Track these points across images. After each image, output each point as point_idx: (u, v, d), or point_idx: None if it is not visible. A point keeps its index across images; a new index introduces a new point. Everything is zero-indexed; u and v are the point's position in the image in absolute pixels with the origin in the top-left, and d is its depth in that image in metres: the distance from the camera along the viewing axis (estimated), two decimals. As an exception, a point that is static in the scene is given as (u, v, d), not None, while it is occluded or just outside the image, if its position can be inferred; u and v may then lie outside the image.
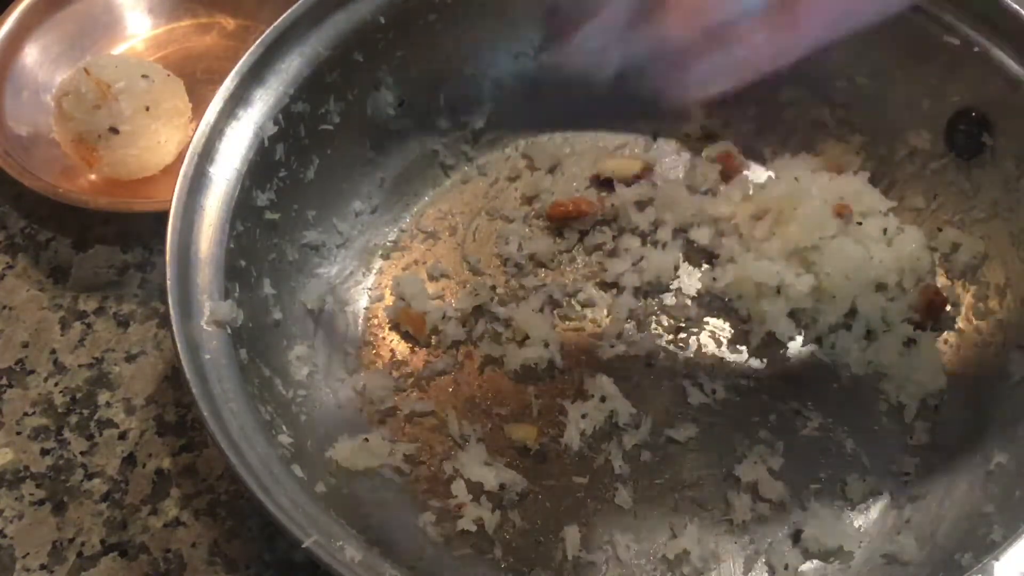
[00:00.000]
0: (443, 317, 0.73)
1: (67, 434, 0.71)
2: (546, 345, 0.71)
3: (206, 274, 0.62)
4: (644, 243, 0.77)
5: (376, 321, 0.74)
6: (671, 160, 0.81)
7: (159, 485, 0.68)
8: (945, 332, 0.72)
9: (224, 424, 0.57)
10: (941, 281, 0.74)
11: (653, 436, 0.69)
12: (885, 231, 0.73)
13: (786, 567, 0.64)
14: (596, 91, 0.64)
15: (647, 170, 0.79)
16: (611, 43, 0.59)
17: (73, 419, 0.71)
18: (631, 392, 0.70)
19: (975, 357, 0.70)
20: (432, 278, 0.76)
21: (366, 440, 0.67)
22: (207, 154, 0.65)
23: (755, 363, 0.72)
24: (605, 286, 0.75)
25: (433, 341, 0.73)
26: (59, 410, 0.72)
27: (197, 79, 0.85)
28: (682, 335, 0.73)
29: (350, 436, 0.67)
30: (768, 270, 0.71)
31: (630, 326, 0.73)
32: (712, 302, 0.74)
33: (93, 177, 0.81)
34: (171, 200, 0.63)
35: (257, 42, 0.68)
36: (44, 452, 0.70)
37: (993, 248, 0.71)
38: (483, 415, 0.70)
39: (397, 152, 0.78)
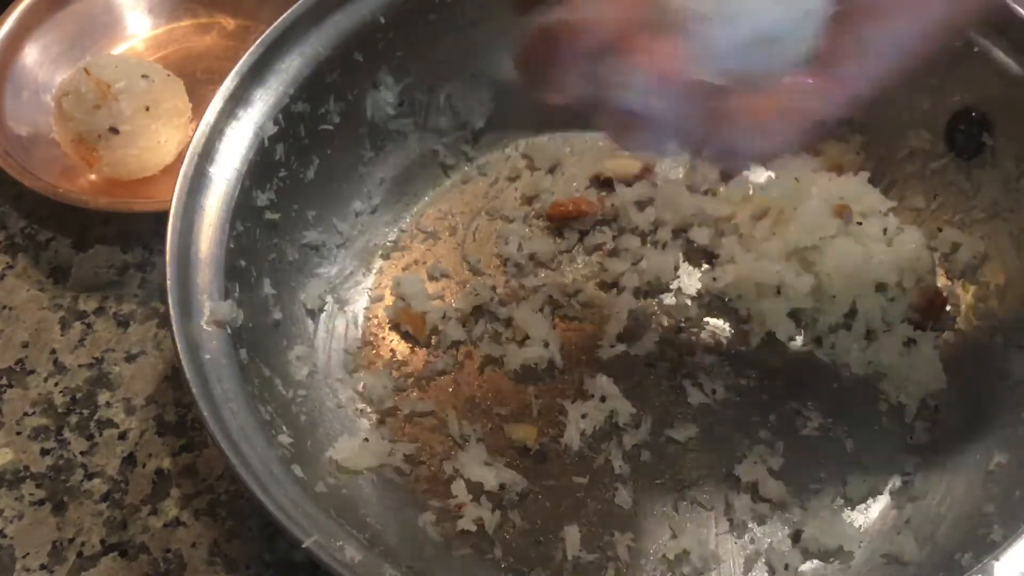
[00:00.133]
0: (443, 317, 0.73)
1: (67, 434, 0.71)
2: (546, 345, 0.71)
3: (206, 274, 0.62)
4: (644, 243, 0.76)
5: (376, 321, 0.74)
6: (671, 160, 0.80)
7: (159, 485, 0.68)
8: (945, 332, 0.72)
9: (224, 424, 0.57)
10: (941, 281, 0.74)
11: (653, 436, 0.68)
12: (885, 231, 0.73)
13: (786, 567, 0.64)
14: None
15: (647, 170, 0.79)
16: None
17: (73, 419, 0.71)
18: (631, 392, 0.70)
19: (975, 357, 0.70)
20: (432, 278, 0.76)
21: (366, 440, 0.67)
22: (207, 154, 0.65)
23: (755, 363, 0.72)
24: (605, 286, 0.75)
25: (433, 341, 0.73)
26: (59, 410, 0.72)
27: (197, 79, 0.85)
28: (682, 335, 0.73)
29: (350, 436, 0.67)
30: (768, 270, 0.71)
31: (630, 326, 0.73)
32: (712, 302, 0.74)
33: (93, 177, 0.81)
34: (171, 200, 0.63)
35: (257, 42, 0.68)
36: (44, 452, 0.70)
37: (993, 248, 0.71)
38: (483, 415, 0.70)
39: (397, 152, 0.78)
